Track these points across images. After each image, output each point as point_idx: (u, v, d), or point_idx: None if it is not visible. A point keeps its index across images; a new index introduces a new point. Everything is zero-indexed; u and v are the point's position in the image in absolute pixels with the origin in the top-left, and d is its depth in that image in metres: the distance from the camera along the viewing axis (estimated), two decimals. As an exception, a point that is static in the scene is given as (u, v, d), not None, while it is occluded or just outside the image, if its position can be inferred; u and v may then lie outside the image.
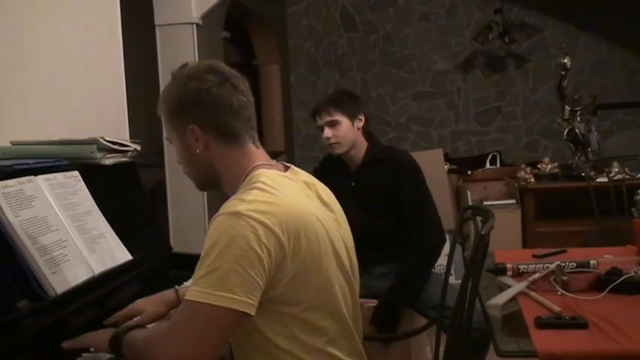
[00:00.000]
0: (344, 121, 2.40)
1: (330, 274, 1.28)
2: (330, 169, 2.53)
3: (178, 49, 3.72)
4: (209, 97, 1.29)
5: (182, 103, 1.32)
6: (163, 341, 1.20)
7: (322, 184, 1.46)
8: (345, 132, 2.40)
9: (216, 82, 1.30)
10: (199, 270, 1.17)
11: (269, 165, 1.35)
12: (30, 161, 1.61)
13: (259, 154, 1.36)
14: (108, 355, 1.32)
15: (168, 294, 1.58)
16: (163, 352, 1.18)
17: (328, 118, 2.40)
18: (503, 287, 1.84)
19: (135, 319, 1.46)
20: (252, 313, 1.16)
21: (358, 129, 2.44)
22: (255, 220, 1.16)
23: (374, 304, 2.36)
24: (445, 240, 2.47)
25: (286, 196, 1.25)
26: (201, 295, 1.14)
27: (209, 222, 1.22)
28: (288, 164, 1.43)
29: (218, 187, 1.40)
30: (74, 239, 1.56)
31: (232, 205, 1.20)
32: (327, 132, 2.40)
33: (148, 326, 1.40)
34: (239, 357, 1.32)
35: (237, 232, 1.15)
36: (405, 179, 2.40)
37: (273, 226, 1.17)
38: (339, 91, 2.62)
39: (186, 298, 1.18)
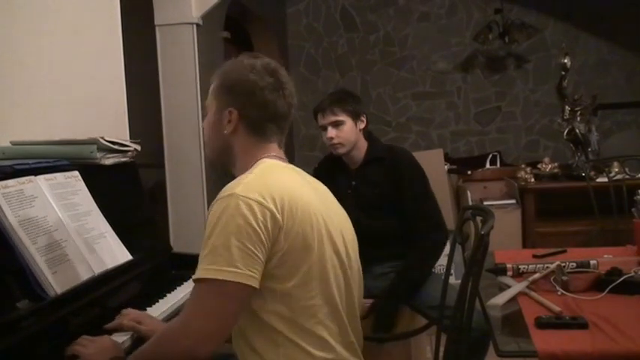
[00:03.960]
0: (348, 122, 2.40)
1: (323, 255, 1.33)
2: (330, 169, 2.53)
3: (178, 49, 3.72)
4: (261, 96, 1.39)
5: (236, 86, 1.40)
6: (180, 324, 1.27)
7: (323, 186, 1.51)
8: (349, 133, 2.40)
9: (273, 86, 1.40)
10: (203, 250, 1.25)
11: (277, 157, 1.43)
12: (30, 161, 1.61)
13: (278, 152, 1.44)
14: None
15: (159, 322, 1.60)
16: (182, 333, 1.24)
17: (333, 118, 2.39)
18: (503, 287, 1.84)
19: (133, 324, 1.47)
20: (256, 286, 1.24)
21: (360, 130, 2.44)
22: (250, 198, 1.24)
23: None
24: (447, 237, 2.46)
25: (283, 177, 1.35)
26: (207, 271, 1.22)
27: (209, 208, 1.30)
28: (291, 164, 1.48)
29: (228, 168, 1.48)
30: (74, 239, 1.56)
31: (230, 188, 1.28)
32: (331, 132, 2.40)
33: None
34: (234, 333, 1.36)
35: (235, 211, 1.23)
36: (406, 177, 2.40)
37: (267, 202, 1.25)
38: (343, 91, 2.60)
39: (193, 278, 1.25)
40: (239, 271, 1.21)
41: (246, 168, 1.39)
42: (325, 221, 1.35)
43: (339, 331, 1.36)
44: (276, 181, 1.31)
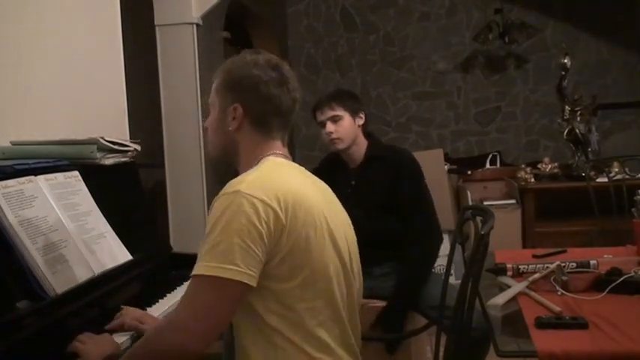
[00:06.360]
0: (346, 117, 2.42)
1: (325, 256, 1.32)
2: (331, 168, 2.52)
3: (178, 49, 3.72)
4: (265, 90, 1.39)
5: (239, 81, 1.40)
6: (173, 320, 1.26)
7: (325, 185, 1.51)
8: (347, 127, 2.42)
9: (277, 80, 1.40)
10: (203, 246, 1.24)
11: (282, 155, 1.43)
12: (30, 161, 1.61)
13: (282, 150, 1.44)
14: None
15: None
16: (175, 328, 1.23)
17: (331, 113, 2.42)
18: (503, 287, 1.84)
19: (135, 324, 1.47)
20: (254, 284, 1.23)
21: (359, 126, 2.45)
22: (254, 197, 1.24)
23: (375, 305, 2.36)
24: (441, 241, 2.46)
25: (288, 177, 1.34)
26: (207, 268, 1.21)
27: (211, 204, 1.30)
28: (295, 164, 1.48)
29: (232, 164, 1.48)
30: (74, 239, 1.56)
31: (234, 184, 1.28)
32: (330, 127, 2.42)
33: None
34: (229, 331, 1.38)
35: (238, 208, 1.23)
36: (405, 178, 2.40)
37: (271, 201, 1.25)
38: (340, 89, 2.66)
39: (192, 273, 1.24)
40: (239, 269, 1.20)
41: (250, 165, 1.39)
42: (328, 223, 1.34)
43: (340, 333, 1.35)
44: (280, 180, 1.31)
